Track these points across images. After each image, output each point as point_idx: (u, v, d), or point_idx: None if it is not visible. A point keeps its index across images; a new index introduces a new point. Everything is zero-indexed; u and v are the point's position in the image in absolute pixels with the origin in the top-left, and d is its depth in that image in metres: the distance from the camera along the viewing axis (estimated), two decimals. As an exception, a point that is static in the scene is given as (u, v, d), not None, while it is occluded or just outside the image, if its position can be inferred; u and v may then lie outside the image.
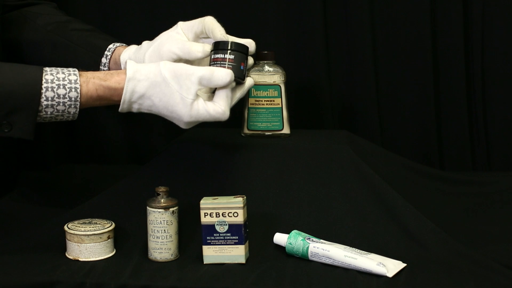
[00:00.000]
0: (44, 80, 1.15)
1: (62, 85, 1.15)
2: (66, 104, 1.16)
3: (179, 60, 1.23)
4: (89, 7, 1.67)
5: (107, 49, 1.34)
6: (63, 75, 1.16)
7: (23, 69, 1.15)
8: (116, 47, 1.34)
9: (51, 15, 1.41)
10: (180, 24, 1.29)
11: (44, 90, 1.14)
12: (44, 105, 1.15)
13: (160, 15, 1.68)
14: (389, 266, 1.10)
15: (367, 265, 1.11)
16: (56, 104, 1.15)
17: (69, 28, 1.39)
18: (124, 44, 1.37)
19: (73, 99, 1.16)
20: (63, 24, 1.39)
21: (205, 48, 1.22)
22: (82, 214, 1.27)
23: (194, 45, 1.22)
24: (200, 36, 1.28)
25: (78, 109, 1.17)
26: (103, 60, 1.34)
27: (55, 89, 1.15)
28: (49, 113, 1.16)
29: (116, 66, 1.34)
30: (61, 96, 1.15)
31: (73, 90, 1.16)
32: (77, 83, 1.16)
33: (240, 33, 1.68)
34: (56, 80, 1.15)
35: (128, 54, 1.32)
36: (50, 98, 1.15)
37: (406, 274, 1.10)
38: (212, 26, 1.26)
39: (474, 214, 1.38)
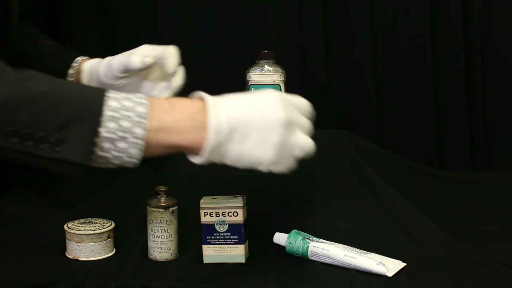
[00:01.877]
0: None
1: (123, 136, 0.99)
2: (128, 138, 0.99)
3: (126, 70, 1.24)
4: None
5: (75, 60, 1.32)
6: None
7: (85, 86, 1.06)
8: (83, 59, 1.33)
9: (29, 34, 1.40)
10: (143, 46, 1.29)
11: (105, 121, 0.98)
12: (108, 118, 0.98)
13: (160, 15, 1.68)
14: (389, 266, 1.10)
15: (367, 265, 1.11)
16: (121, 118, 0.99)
17: (40, 44, 1.37)
18: (85, 57, 1.38)
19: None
20: (36, 41, 1.38)
21: (145, 60, 1.22)
22: (82, 213, 1.27)
23: (135, 56, 1.23)
24: (158, 62, 1.26)
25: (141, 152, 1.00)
26: (70, 71, 1.31)
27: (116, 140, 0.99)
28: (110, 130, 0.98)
29: (78, 76, 1.31)
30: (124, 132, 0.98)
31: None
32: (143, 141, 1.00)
33: (240, 32, 1.69)
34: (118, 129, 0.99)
35: (89, 64, 1.31)
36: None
37: (406, 273, 1.10)
38: (168, 56, 1.25)
39: (474, 214, 1.38)
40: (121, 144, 0.98)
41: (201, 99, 1.02)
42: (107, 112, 0.97)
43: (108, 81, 1.28)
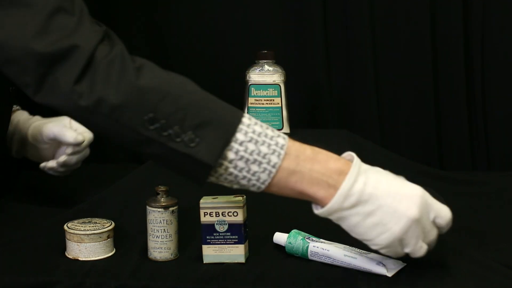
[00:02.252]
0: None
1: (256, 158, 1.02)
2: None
3: (54, 139, 1.36)
4: None
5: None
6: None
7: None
8: (15, 109, 1.41)
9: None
10: (70, 120, 1.38)
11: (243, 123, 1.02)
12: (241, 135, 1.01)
13: (161, 14, 1.69)
14: (389, 266, 1.10)
15: (367, 265, 1.10)
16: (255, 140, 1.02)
17: None
18: (19, 108, 1.47)
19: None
20: None
21: (78, 137, 1.34)
22: (81, 213, 1.26)
23: (70, 132, 1.34)
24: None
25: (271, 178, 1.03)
26: None
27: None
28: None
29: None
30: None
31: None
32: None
33: (240, 32, 1.69)
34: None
35: (19, 118, 1.40)
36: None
37: (406, 273, 1.10)
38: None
39: (474, 214, 1.38)
40: (254, 167, 1.02)
41: (349, 160, 1.05)
42: (244, 128, 1.01)
43: (33, 141, 1.40)
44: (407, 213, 1.02)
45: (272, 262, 1.15)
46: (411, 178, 1.47)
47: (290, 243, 1.17)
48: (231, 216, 1.15)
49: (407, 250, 1.04)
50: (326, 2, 1.64)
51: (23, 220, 1.34)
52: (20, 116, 1.45)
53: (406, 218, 1.02)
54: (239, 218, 1.15)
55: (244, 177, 1.03)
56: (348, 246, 1.14)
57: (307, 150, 1.04)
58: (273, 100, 1.43)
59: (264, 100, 1.42)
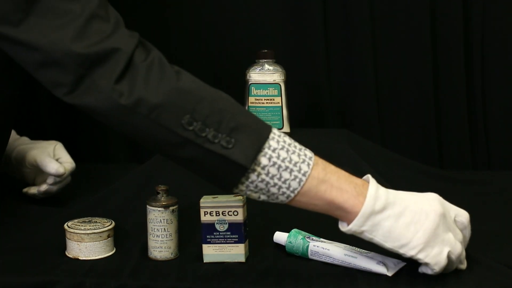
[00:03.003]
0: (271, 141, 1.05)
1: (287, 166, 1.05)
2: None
3: (36, 166, 1.38)
4: None
5: None
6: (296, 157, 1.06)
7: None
8: None
9: None
10: (58, 146, 1.42)
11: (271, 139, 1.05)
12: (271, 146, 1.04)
13: (161, 14, 1.68)
14: (389, 265, 1.10)
15: (367, 264, 1.10)
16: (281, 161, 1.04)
17: None
18: None
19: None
20: None
21: (59, 169, 1.36)
22: (82, 212, 1.26)
23: (52, 163, 1.37)
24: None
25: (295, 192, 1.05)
26: None
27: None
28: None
29: None
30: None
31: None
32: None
33: (240, 32, 1.69)
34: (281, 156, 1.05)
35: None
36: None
37: (406, 273, 1.10)
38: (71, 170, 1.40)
39: (475, 213, 1.38)
40: (286, 175, 1.04)
41: (365, 180, 1.08)
42: (275, 137, 1.04)
43: (15, 164, 1.42)
44: (433, 208, 1.05)
45: (272, 262, 1.15)
46: (411, 178, 1.48)
47: (290, 242, 1.17)
48: (231, 215, 1.15)
49: (447, 248, 1.05)
50: (326, 2, 1.64)
51: (23, 220, 1.34)
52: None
53: (434, 213, 1.05)
54: (239, 217, 1.15)
55: (275, 185, 1.04)
56: (348, 246, 1.14)
57: (331, 165, 1.08)
58: (273, 99, 1.42)
59: (264, 99, 1.42)
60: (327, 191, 1.05)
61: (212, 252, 1.15)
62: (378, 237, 1.05)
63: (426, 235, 1.04)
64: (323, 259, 1.14)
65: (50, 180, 1.38)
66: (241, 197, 1.15)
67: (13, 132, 1.47)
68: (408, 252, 1.05)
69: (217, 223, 1.15)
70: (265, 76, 1.41)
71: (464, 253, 1.09)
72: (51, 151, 1.41)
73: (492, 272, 1.10)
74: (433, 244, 1.04)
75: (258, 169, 1.03)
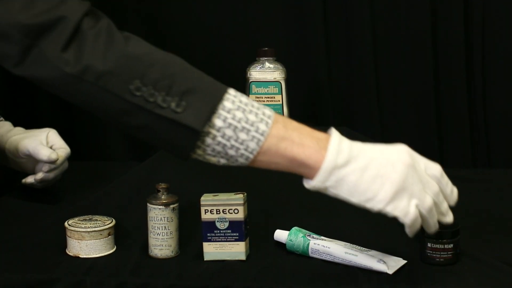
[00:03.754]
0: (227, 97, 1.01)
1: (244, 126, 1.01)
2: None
3: (29, 155, 1.37)
4: None
5: None
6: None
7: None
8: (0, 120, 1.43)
9: None
10: (50, 133, 1.41)
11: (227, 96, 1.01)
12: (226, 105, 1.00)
13: (161, 13, 1.68)
14: (390, 263, 1.10)
15: (368, 262, 1.10)
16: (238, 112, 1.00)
17: None
18: (2, 118, 1.48)
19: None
20: None
21: (51, 155, 1.35)
22: (82, 211, 1.26)
23: (44, 150, 1.36)
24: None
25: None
26: None
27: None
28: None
29: None
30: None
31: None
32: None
33: (241, 30, 1.69)
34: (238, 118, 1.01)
35: (3, 131, 1.41)
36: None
37: (407, 271, 1.10)
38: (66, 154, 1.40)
39: (475, 212, 1.38)
40: (242, 135, 1.00)
41: (329, 133, 1.04)
42: (230, 97, 1.00)
43: (10, 156, 1.41)
44: (401, 159, 1.01)
45: (273, 260, 1.15)
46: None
47: (291, 240, 1.17)
48: (231, 213, 1.15)
49: (414, 202, 1.00)
50: (326, 0, 1.64)
51: (23, 218, 1.34)
52: (1, 128, 1.45)
53: (401, 164, 1.01)
54: (240, 215, 1.15)
55: (232, 147, 1.00)
56: (349, 244, 1.14)
57: (293, 122, 1.03)
58: (274, 97, 1.43)
59: (264, 97, 1.42)
60: (288, 148, 1.00)
61: (212, 250, 1.15)
62: (343, 192, 1.01)
63: (394, 188, 0.99)
64: (323, 257, 1.14)
65: (45, 167, 1.38)
66: (241, 195, 1.15)
67: (8, 124, 1.46)
68: (375, 206, 1.00)
69: (217, 221, 1.15)
70: (266, 74, 1.41)
71: (445, 205, 1.04)
72: (44, 138, 1.40)
73: (492, 270, 1.10)
74: (401, 196, 1.00)
75: (213, 131, 0.99)
